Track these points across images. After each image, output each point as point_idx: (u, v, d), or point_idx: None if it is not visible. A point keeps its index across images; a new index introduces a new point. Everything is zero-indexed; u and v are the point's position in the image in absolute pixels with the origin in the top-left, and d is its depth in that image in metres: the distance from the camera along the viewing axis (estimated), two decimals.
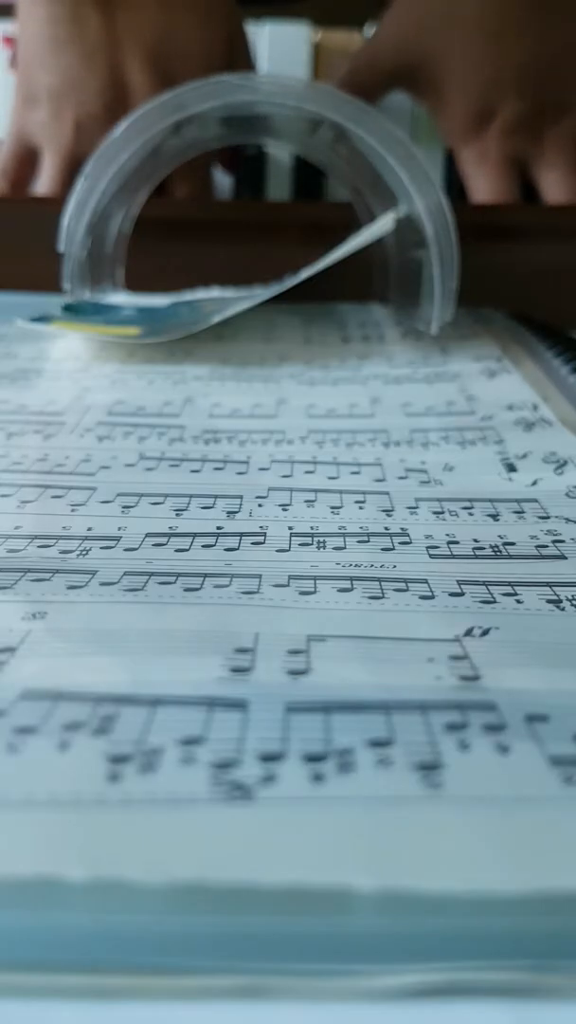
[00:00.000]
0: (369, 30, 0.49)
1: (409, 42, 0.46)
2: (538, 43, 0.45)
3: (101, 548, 0.20)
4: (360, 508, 0.23)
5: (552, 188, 0.46)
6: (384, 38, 0.47)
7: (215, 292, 0.41)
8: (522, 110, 0.45)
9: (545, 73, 0.45)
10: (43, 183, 0.45)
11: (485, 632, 0.17)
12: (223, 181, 0.49)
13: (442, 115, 0.47)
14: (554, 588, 0.18)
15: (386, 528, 0.21)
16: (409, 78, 0.47)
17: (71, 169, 0.44)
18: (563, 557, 0.20)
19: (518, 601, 0.18)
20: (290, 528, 0.21)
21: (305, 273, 0.37)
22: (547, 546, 0.20)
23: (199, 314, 0.37)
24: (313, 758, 0.13)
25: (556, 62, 0.45)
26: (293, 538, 0.21)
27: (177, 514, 0.22)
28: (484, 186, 0.46)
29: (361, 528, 0.21)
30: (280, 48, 0.48)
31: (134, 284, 0.41)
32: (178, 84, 0.36)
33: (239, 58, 0.46)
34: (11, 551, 0.20)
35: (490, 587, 0.18)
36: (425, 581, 0.19)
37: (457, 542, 0.21)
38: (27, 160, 0.46)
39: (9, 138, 0.46)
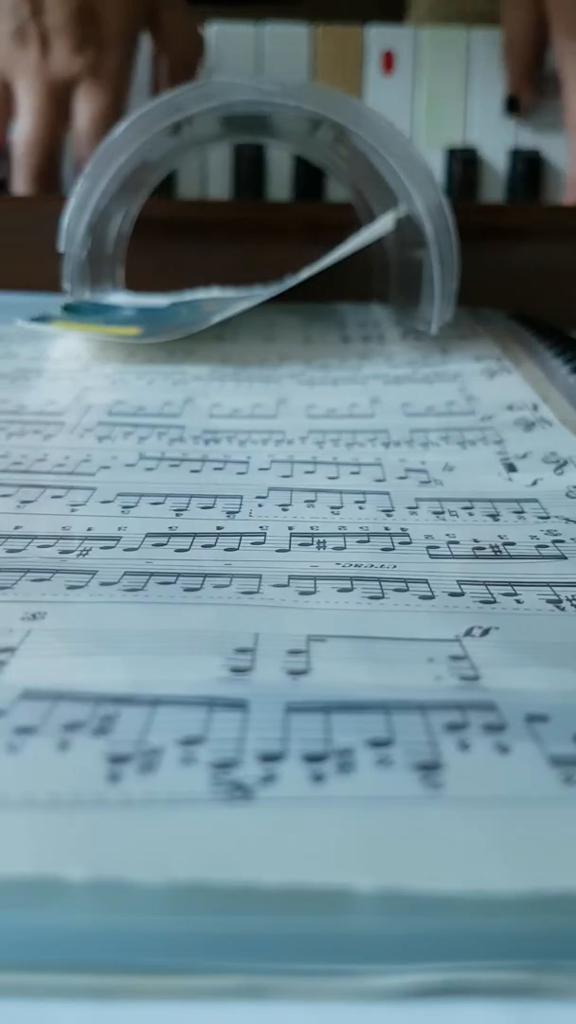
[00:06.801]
0: (369, 29, 0.48)
1: None
2: None
3: (101, 548, 0.20)
4: (360, 508, 0.23)
5: None
6: None
7: (215, 292, 0.41)
8: None
9: None
10: (24, 110, 0.45)
11: (485, 632, 0.17)
12: (223, 180, 0.49)
13: (553, 6, 0.46)
14: (554, 588, 0.18)
15: (386, 528, 0.21)
16: None
17: (51, 92, 0.44)
18: (563, 557, 0.20)
19: (518, 601, 0.18)
20: (290, 528, 0.21)
21: (305, 273, 0.37)
22: (547, 546, 0.20)
23: (199, 314, 0.37)
24: (313, 758, 0.13)
25: None
26: (293, 538, 0.21)
27: (177, 514, 0.22)
28: None
29: (361, 528, 0.21)
30: (280, 48, 0.48)
31: (134, 284, 0.41)
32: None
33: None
34: (11, 551, 0.20)
35: (490, 587, 0.18)
36: (425, 581, 0.19)
37: (457, 542, 0.21)
38: (3, 97, 0.46)
39: None
